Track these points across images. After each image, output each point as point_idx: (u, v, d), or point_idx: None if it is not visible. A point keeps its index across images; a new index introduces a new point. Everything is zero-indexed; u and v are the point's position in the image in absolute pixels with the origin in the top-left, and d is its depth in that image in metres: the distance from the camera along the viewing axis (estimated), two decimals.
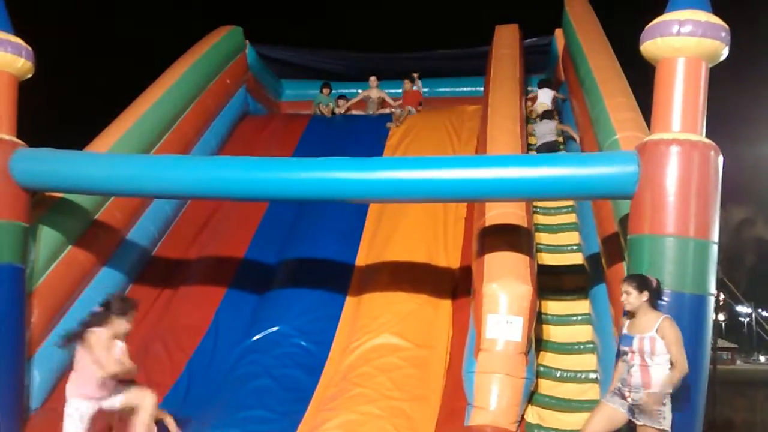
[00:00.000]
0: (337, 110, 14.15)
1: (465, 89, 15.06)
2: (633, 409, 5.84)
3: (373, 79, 14.33)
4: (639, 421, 5.81)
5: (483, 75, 12.81)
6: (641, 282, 5.95)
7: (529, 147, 11.07)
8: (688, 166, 6.26)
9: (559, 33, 13.36)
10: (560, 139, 11.55)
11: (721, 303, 26.57)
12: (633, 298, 5.92)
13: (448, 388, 7.80)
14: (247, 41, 13.93)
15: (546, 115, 11.66)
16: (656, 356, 5.79)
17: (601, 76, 9.24)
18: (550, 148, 11.02)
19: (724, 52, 6.50)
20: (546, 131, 11.24)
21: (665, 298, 6.07)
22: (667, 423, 5.76)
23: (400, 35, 27.53)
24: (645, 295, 5.90)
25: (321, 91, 14.35)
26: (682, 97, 6.42)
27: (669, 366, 5.77)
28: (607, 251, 7.64)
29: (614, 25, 11.03)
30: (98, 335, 6.23)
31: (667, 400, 5.76)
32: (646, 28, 6.60)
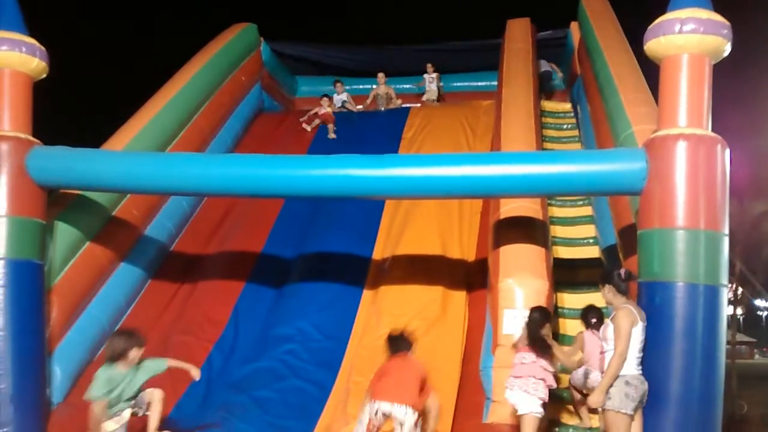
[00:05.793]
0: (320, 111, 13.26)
1: (480, 84, 15.07)
2: None
3: (381, 75, 14.30)
4: None
5: (496, 69, 12.79)
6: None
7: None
8: (695, 160, 6.27)
9: (574, 26, 13.32)
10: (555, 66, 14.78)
11: (739, 297, 26.46)
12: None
13: (464, 382, 7.81)
14: (262, 38, 13.96)
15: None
16: (608, 342, 6.01)
17: (617, 70, 9.21)
18: (543, 75, 14.19)
19: (727, 48, 6.52)
20: (545, 64, 14.49)
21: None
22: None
23: (411, 29, 27.44)
24: (608, 288, 6.11)
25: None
26: (687, 93, 6.44)
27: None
28: (624, 243, 7.62)
29: (630, 19, 10.96)
30: None
31: (615, 381, 5.80)
32: (649, 27, 6.63)
